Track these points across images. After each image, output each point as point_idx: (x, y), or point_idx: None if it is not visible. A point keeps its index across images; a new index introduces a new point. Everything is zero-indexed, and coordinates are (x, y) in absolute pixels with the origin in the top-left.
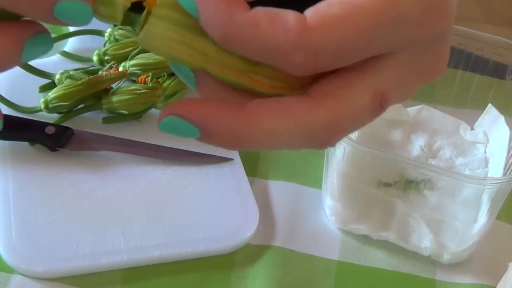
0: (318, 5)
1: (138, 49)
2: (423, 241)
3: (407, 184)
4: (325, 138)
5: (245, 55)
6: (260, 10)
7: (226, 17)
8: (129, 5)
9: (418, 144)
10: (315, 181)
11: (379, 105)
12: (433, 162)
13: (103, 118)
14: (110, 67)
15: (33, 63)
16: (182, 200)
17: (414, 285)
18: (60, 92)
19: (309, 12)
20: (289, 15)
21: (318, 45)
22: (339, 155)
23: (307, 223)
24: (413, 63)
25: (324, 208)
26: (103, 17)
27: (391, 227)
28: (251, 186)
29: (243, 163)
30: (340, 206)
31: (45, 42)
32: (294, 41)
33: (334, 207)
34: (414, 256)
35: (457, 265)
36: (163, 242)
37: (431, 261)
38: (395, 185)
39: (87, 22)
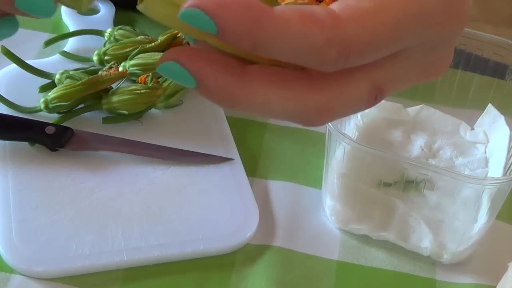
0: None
1: (138, 49)
2: (423, 241)
3: (407, 184)
4: (315, 119)
5: (276, 58)
6: (286, 8)
7: (253, 25)
8: None
9: (418, 144)
10: (315, 181)
11: (374, 98)
12: (433, 162)
13: (103, 118)
14: (110, 67)
15: (33, 63)
16: (182, 200)
17: (414, 285)
18: (60, 92)
19: (337, 5)
20: (318, 9)
21: (351, 39)
22: (339, 155)
23: (307, 223)
24: (418, 60)
25: (324, 208)
26: (68, 6)
27: (391, 227)
28: (251, 186)
29: (243, 163)
30: (340, 206)
31: (8, 25)
32: (329, 36)
33: (334, 207)
34: (414, 256)
35: (457, 265)
36: (163, 242)
37: (431, 261)
38: (395, 185)
39: (50, 14)
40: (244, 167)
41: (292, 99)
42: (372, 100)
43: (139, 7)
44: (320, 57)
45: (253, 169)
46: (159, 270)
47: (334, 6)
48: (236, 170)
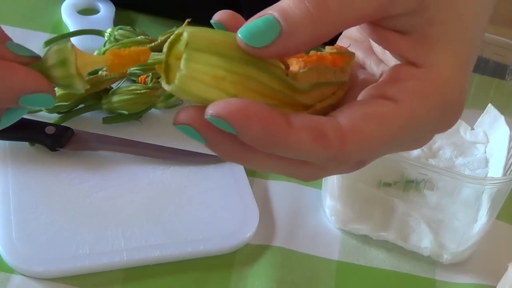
0: (354, 116)
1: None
2: (423, 241)
3: (407, 184)
4: (304, 180)
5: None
6: (302, 126)
7: (268, 141)
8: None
9: None
10: (315, 181)
11: (357, 169)
12: (433, 162)
13: (103, 118)
14: None
15: None
16: (182, 200)
17: (414, 285)
18: (60, 92)
19: (346, 121)
20: (329, 130)
21: (349, 157)
22: None
23: (307, 223)
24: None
25: (324, 208)
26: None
27: (391, 227)
28: (251, 186)
29: None
30: (340, 206)
31: (43, 101)
32: (332, 155)
33: (334, 207)
34: (414, 256)
35: (457, 265)
36: (163, 242)
37: (431, 261)
38: (395, 185)
39: (51, 106)
40: (244, 167)
41: (285, 169)
42: (354, 170)
43: (168, 87)
44: (319, 162)
45: (253, 169)
46: (159, 270)
47: (343, 120)
48: (236, 170)
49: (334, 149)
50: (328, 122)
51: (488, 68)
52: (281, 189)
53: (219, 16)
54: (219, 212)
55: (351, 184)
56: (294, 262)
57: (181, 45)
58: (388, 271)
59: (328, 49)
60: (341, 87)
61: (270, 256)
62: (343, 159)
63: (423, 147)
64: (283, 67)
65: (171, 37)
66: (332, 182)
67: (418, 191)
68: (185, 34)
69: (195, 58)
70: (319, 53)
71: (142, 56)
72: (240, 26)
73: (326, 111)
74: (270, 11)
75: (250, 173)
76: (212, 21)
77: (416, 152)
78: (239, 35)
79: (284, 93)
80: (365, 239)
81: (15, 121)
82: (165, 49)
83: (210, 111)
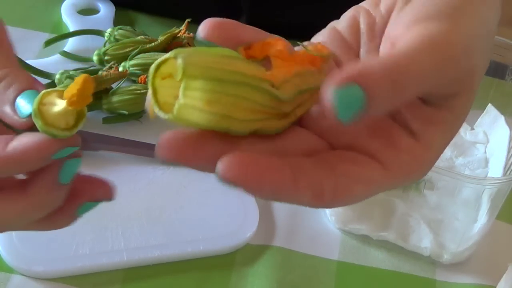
0: (347, 176)
1: (138, 49)
2: (423, 241)
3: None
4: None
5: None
6: (307, 185)
7: (279, 197)
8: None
9: None
10: None
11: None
12: None
13: (103, 118)
14: (110, 67)
15: (33, 63)
16: (182, 200)
17: (414, 285)
18: None
19: (341, 180)
20: (327, 188)
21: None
22: None
23: (307, 223)
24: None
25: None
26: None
27: (391, 227)
28: None
29: None
30: (345, 207)
31: (68, 152)
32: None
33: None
34: (414, 256)
35: (457, 265)
36: (163, 242)
37: (431, 261)
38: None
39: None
40: None
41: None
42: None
43: (164, 115)
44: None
45: None
46: (159, 270)
47: (340, 178)
48: None
49: (325, 204)
50: (327, 179)
51: (488, 68)
52: None
53: (204, 32)
54: (219, 212)
55: None
56: (294, 262)
57: (174, 71)
58: (388, 271)
59: (306, 45)
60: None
61: (270, 256)
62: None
63: None
64: (269, 77)
65: (158, 60)
66: None
67: (418, 191)
68: (180, 61)
69: (191, 86)
70: (300, 53)
71: (88, 86)
72: (229, 33)
73: (303, 115)
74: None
75: None
76: (198, 39)
77: None
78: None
79: (271, 106)
80: (365, 239)
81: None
82: (151, 72)
83: (222, 174)
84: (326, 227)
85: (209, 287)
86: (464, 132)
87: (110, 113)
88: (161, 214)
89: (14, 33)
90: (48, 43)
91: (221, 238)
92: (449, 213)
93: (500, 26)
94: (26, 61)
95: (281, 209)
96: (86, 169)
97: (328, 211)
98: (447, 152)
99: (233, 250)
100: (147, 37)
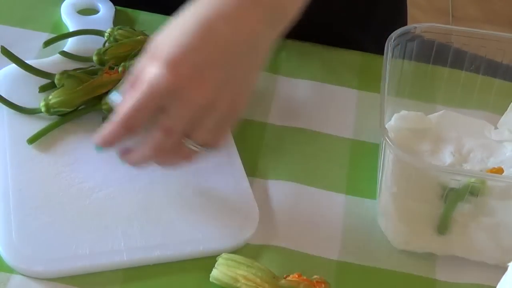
0: None
1: (138, 49)
2: (486, 250)
3: (460, 193)
4: None
5: None
6: None
7: None
8: None
9: (448, 151)
10: (315, 180)
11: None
12: (467, 166)
13: (103, 118)
14: (110, 67)
15: (33, 63)
16: (182, 200)
17: (414, 285)
18: (62, 98)
19: None
20: None
21: None
22: (388, 173)
23: (307, 222)
24: None
25: (380, 229)
26: None
27: (453, 241)
28: (251, 186)
29: (243, 163)
30: (399, 226)
31: None
32: None
33: (393, 228)
34: (414, 256)
35: (457, 265)
36: (163, 242)
37: (431, 261)
38: (446, 196)
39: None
40: (244, 167)
41: None
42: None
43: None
44: None
45: (253, 169)
46: (159, 270)
47: None
48: (236, 170)
49: None
50: None
51: (508, 73)
52: (281, 189)
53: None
54: (219, 212)
55: (404, 203)
56: (294, 262)
57: None
58: (388, 271)
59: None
60: None
61: (270, 256)
62: None
63: (453, 153)
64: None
65: None
66: (386, 203)
67: (472, 200)
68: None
69: None
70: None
71: None
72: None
73: None
74: None
75: (250, 173)
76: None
77: (448, 159)
78: None
79: None
80: (365, 238)
81: None
82: None
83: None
84: (326, 227)
85: (209, 287)
86: (489, 132)
87: (110, 113)
88: (161, 214)
89: (14, 33)
90: (48, 43)
91: (221, 238)
92: (506, 217)
93: (500, 27)
94: (26, 61)
95: (281, 209)
96: (87, 169)
97: (386, 232)
98: (477, 155)
99: (233, 250)
100: (147, 37)
